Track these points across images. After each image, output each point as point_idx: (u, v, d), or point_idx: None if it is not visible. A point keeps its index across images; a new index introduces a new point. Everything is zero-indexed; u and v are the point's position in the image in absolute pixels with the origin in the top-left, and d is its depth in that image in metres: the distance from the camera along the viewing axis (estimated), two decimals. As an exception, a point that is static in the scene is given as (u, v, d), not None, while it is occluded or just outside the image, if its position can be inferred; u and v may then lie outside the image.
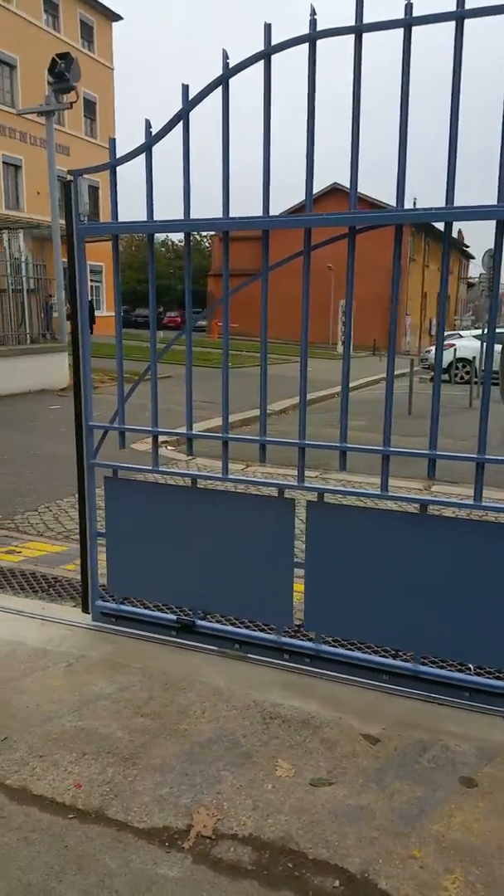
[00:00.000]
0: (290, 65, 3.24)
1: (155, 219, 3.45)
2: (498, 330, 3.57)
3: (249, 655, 3.56)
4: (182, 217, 3.41)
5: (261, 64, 3.08)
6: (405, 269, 40.23)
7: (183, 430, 3.72)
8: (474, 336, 21.50)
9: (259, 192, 3.21)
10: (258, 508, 3.52)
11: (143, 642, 3.74)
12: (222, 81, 3.18)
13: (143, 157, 3.41)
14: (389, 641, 3.41)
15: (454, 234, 49.66)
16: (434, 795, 2.58)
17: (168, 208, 3.41)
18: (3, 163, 30.94)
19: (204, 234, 47.81)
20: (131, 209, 3.61)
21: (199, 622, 3.73)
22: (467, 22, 2.78)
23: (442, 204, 2.91)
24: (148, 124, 3.36)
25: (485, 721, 3.06)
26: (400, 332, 41.51)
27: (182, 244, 55.15)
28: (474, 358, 16.70)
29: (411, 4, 2.82)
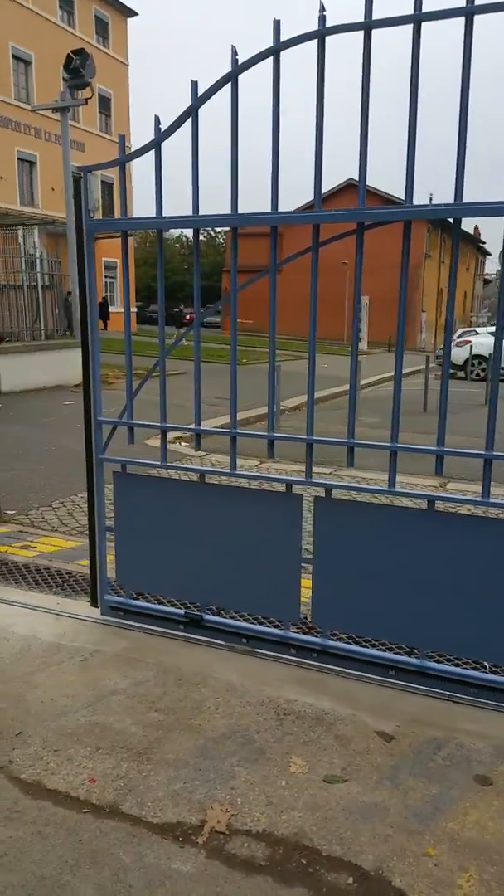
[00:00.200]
0: (308, 62, 3.22)
1: (164, 215, 3.46)
2: None
3: (257, 650, 3.57)
4: (191, 213, 3.41)
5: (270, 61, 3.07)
6: (420, 265, 39.98)
7: (204, 426, 3.73)
8: (490, 333, 21.36)
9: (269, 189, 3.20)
10: (266, 504, 3.53)
11: (157, 638, 3.75)
12: (231, 78, 3.17)
13: (153, 153, 3.41)
14: (397, 637, 3.40)
15: (471, 230, 49.37)
16: (449, 793, 2.57)
17: (182, 203, 3.41)
18: (18, 159, 31.04)
19: (218, 230, 47.81)
20: (147, 205, 3.61)
21: (207, 617, 3.74)
22: (477, 18, 2.76)
23: (472, 199, 2.89)
24: (157, 121, 3.35)
25: (500, 719, 3.04)
26: (415, 328, 41.33)
27: (196, 240, 55.25)
28: (490, 355, 16.60)
29: (420, 0, 2.80)
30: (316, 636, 3.53)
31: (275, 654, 3.54)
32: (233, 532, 3.55)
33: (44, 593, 4.35)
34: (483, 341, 20.27)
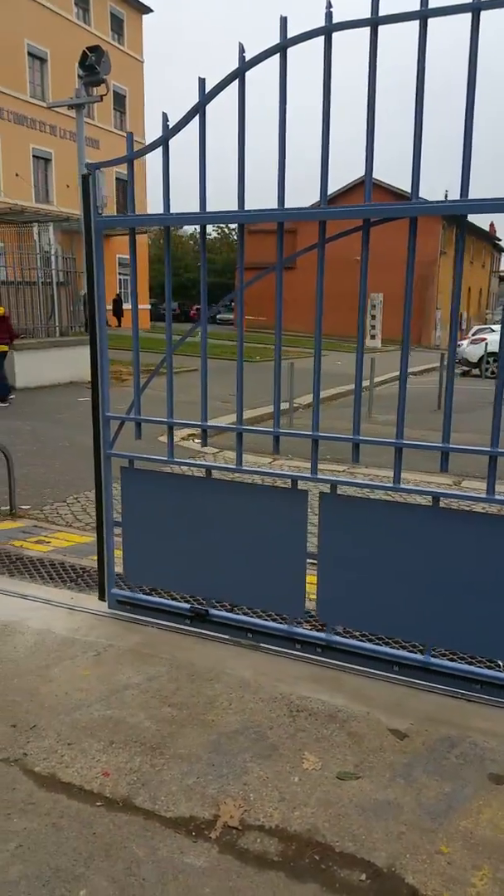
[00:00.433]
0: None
1: (176, 212, 3.46)
2: None
3: (262, 645, 3.58)
4: (198, 210, 3.41)
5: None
6: (436, 261, 39.76)
7: (212, 423, 3.74)
8: (506, 329, 21.22)
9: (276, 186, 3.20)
10: (272, 499, 3.53)
11: (170, 633, 3.76)
12: (239, 75, 3.17)
13: (161, 150, 3.41)
14: (404, 634, 3.41)
15: (486, 227, 48.98)
16: (462, 791, 2.56)
17: (196, 200, 3.41)
18: (34, 156, 31.12)
19: (232, 226, 47.78)
20: (161, 201, 3.61)
21: (213, 611, 3.76)
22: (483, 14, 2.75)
23: (480, 196, 2.88)
24: (165, 118, 3.36)
25: (514, 718, 3.03)
26: (430, 325, 41.12)
27: (209, 237, 55.25)
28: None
29: None
30: (321, 631, 3.54)
31: (280, 649, 3.55)
32: (239, 527, 3.57)
33: (58, 588, 4.38)
34: (498, 338, 20.16)
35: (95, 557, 4.88)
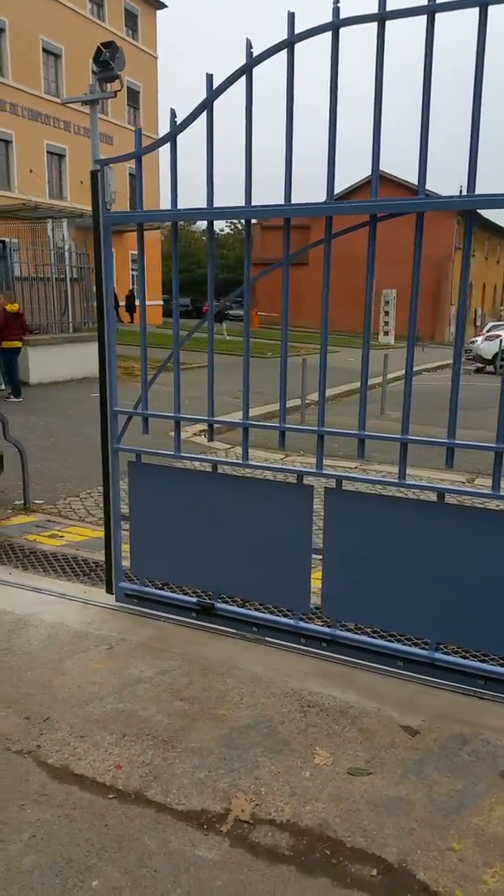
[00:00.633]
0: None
1: (187, 207, 3.48)
2: None
3: (267, 639, 3.60)
4: (205, 205, 3.41)
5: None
6: (450, 257, 39.53)
7: (219, 418, 3.74)
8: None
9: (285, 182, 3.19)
10: (277, 494, 3.55)
11: (182, 627, 3.77)
12: (246, 70, 3.17)
13: (169, 146, 3.42)
14: (411, 630, 3.41)
15: (501, 224, 48.58)
16: (474, 788, 2.55)
17: (203, 196, 3.42)
18: (48, 152, 31.19)
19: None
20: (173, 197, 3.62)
21: (219, 605, 3.77)
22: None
23: (494, 191, 2.86)
24: (173, 114, 3.36)
25: (526, 716, 3.02)
26: (444, 322, 40.91)
27: (222, 232, 55.15)
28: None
29: None
30: (326, 626, 3.54)
31: (285, 643, 3.56)
32: (245, 522, 3.58)
33: (71, 582, 4.41)
34: None
35: (108, 552, 4.92)
